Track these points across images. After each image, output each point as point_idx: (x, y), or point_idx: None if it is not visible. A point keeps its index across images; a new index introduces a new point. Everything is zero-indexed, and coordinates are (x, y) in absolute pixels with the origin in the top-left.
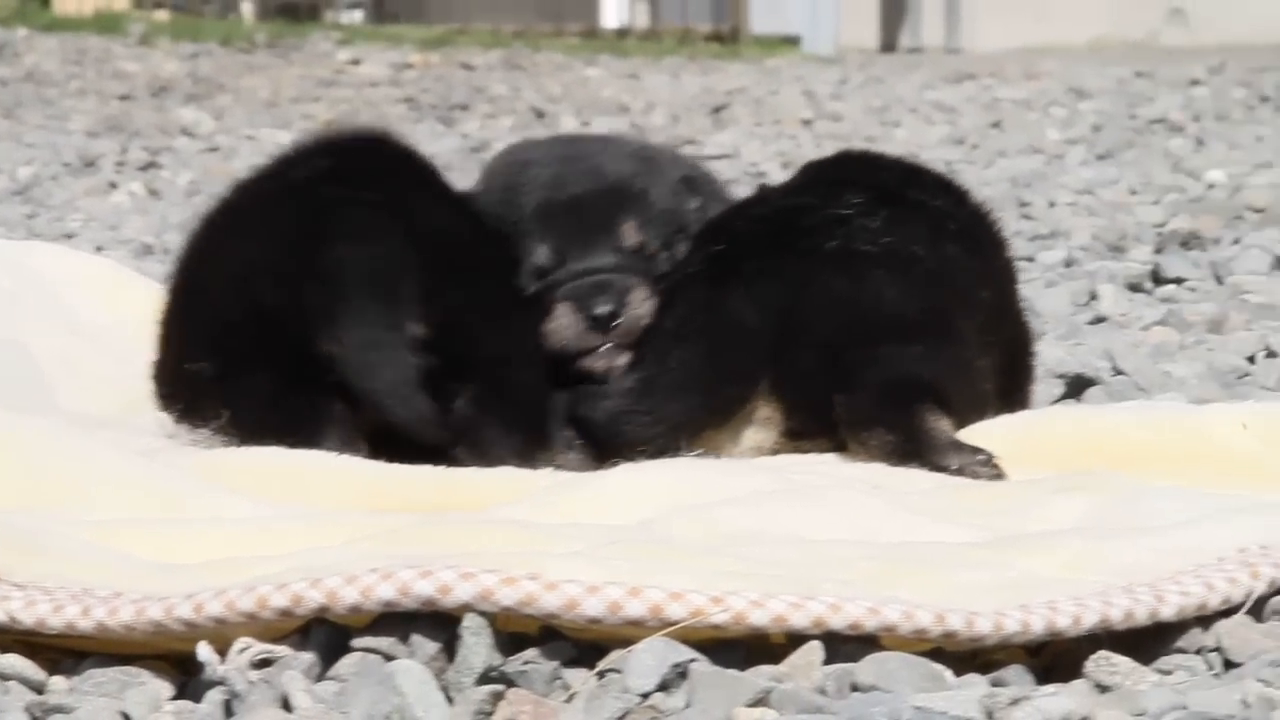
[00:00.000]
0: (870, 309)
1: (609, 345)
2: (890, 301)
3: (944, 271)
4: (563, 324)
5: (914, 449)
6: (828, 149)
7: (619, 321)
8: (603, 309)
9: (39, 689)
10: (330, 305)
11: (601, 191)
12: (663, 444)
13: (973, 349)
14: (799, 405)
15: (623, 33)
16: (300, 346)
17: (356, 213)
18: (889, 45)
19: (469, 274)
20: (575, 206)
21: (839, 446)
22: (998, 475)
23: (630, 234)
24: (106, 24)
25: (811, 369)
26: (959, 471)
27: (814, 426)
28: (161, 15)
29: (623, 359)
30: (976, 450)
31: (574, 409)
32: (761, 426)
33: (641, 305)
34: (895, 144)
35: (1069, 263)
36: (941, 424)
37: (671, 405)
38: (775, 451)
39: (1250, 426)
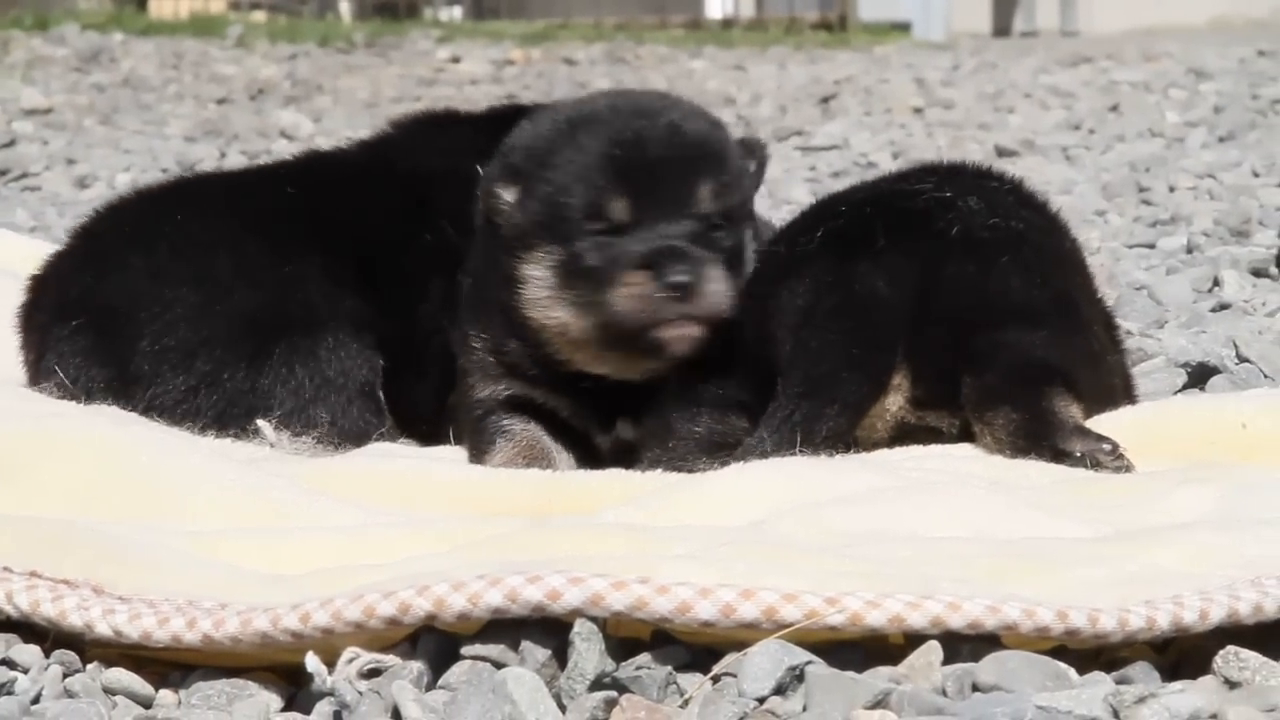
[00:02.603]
0: (999, 294)
1: (683, 317)
2: (1018, 289)
3: (1062, 257)
4: (637, 291)
5: (1039, 430)
6: (940, 138)
7: (697, 294)
8: (680, 277)
9: (146, 703)
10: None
11: (681, 149)
12: (847, 431)
13: (1099, 340)
14: (926, 374)
15: (728, 23)
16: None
17: None
18: (1002, 29)
19: None
20: (653, 163)
21: (961, 426)
22: (1124, 467)
23: (707, 198)
24: (203, 27)
25: (940, 343)
26: (1083, 459)
27: (938, 397)
28: (259, 17)
29: (694, 332)
30: (1102, 438)
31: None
32: (892, 391)
33: (717, 283)
34: (1010, 130)
35: (1190, 249)
36: (1070, 408)
37: (845, 389)
38: (901, 417)
39: None
